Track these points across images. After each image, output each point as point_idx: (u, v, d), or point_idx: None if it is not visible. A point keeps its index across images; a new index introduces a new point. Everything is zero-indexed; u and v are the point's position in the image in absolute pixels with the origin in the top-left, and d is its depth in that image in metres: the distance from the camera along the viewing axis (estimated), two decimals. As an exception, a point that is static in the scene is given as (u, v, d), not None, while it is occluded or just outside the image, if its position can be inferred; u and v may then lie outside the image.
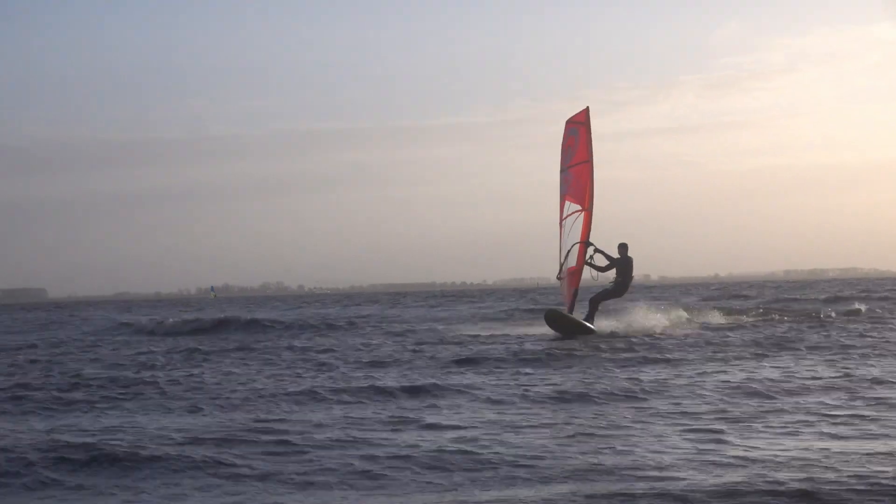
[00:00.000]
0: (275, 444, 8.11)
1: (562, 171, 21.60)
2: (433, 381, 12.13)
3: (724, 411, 9.39)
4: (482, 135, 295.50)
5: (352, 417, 9.58)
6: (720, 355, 14.94)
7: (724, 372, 12.63)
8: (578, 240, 20.38)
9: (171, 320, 30.65)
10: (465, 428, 8.75)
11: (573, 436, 8.28)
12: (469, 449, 7.69)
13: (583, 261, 20.19)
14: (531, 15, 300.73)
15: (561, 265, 21.08)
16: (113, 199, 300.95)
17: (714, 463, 7.10)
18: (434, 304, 49.82)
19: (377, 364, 15.06)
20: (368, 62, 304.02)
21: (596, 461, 7.21)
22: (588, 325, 19.99)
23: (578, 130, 20.75)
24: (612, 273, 20.70)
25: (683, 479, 6.60)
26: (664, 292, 59.09)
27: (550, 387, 11.46)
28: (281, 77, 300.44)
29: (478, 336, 20.86)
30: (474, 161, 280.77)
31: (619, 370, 13.22)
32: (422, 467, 7.23)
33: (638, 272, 20.89)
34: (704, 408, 9.62)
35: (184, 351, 18.84)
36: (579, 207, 20.50)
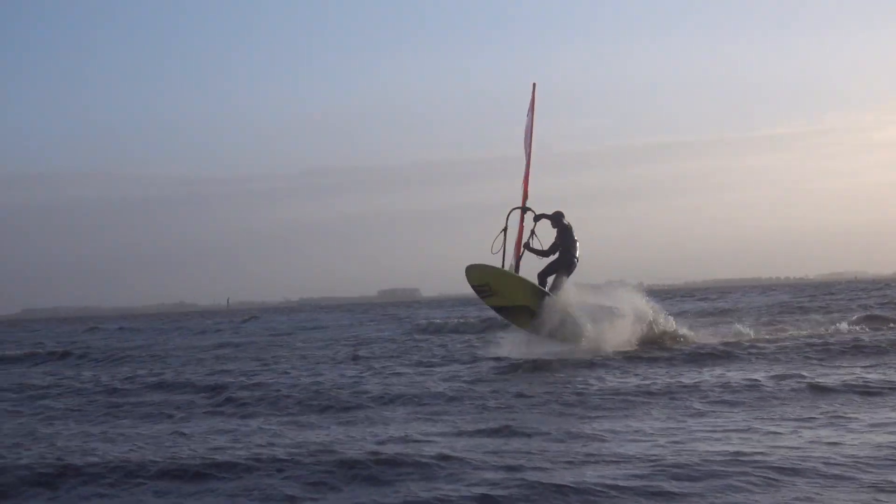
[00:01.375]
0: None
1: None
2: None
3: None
4: (796, 144, 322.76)
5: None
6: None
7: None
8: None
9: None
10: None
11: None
12: None
13: (521, 225, 17.19)
14: (835, 36, 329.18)
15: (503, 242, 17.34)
16: (474, 207, 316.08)
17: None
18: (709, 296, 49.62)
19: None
20: (688, 82, 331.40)
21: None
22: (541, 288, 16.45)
23: (528, 112, 18.22)
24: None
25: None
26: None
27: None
28: (609, 98, 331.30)
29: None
30: (791, 167, 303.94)
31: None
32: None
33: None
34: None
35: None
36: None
